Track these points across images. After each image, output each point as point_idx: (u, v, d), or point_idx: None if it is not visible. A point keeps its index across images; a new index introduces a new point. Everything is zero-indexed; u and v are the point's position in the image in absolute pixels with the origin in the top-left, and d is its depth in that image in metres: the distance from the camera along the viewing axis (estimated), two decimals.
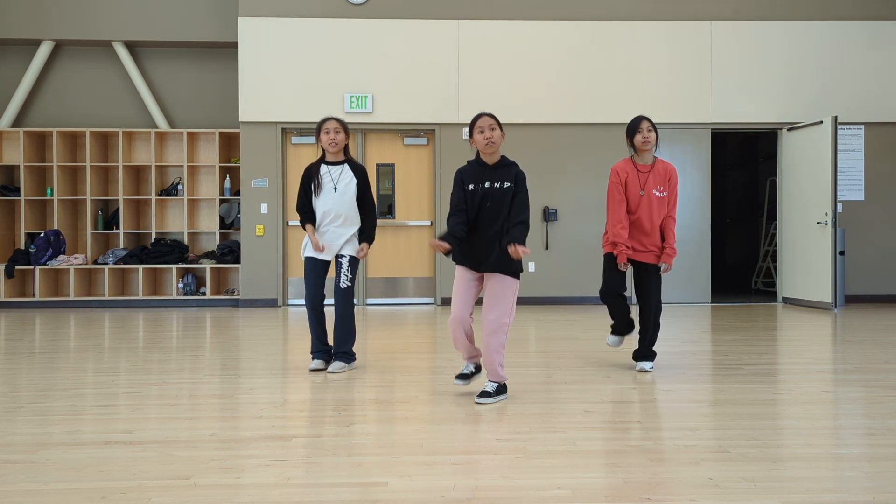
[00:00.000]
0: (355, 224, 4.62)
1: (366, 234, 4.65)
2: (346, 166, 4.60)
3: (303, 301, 8.88)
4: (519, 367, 4.66)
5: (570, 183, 8.85)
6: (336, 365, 4.58)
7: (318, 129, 4.60)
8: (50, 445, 2.99)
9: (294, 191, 8.95)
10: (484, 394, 3.73)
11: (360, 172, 4.62)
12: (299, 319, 7.51)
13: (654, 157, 4.55)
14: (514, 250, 3.59)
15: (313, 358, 4.66)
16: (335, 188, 4.54)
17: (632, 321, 4.73)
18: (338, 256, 4.61)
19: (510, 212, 3.73)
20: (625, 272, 4.55)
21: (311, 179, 4.59)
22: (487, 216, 3.74)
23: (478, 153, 3.84)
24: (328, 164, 4.60)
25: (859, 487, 2.49)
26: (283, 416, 3.48)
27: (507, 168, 3.80)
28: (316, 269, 4.62)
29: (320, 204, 4.56)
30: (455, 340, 3.89)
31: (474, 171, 3.82)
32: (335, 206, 4.53)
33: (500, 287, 3.72)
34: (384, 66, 8.82)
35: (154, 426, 3.29)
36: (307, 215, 4.62)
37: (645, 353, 4.61)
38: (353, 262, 4.61)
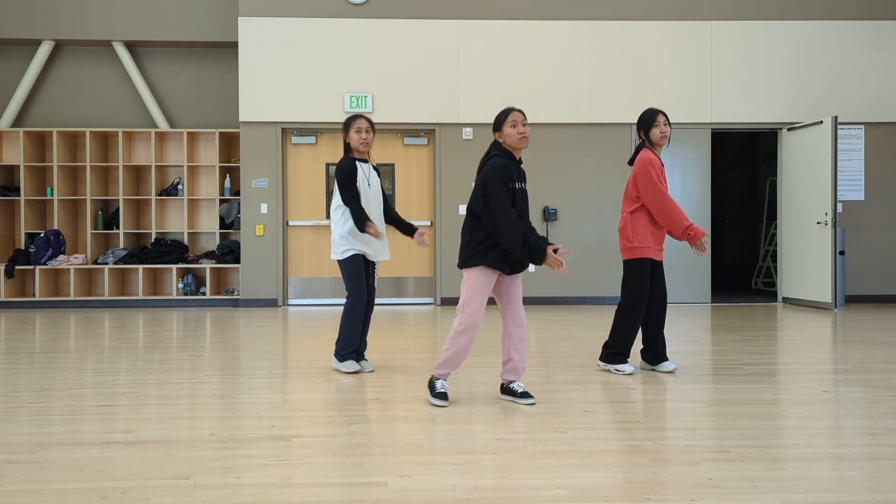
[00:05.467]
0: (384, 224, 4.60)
1: (407, 223, 4.61)
2: (370, 165, 4.59)
3: (306, 301, 8.92)
4: None
5: (570, 183, 8.85)
6: (368, 364, 4.64)
7: (346, 125, 4.47)
8: (50, 445, 2.99)
9: (295, 191, 8.95)
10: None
11: (378, 171, 4.64)
12: (299, 319, 7.50)
13: None
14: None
15: (356, 360, 4.59)
16: (369, 184, 4.49)
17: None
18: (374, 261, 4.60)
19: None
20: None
21: (355, 177, 4.40)
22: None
23: (495, 148, 3.70)
24: (359, 161, 4.51)
25: (859, 487, 2.49)
26: (283, 416, 3.47)
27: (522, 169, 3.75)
28: (364, 268, 4.52)
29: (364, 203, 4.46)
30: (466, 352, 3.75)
31: (512, 168, 3.63)
32: (373, 206, 4.49)
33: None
34: (384, 66, 8.82)
35: (154, 426, 3.29)
36: (364, 212, 4.41)
37: (664, 349, 4.56)
38: None
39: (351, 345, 4.52)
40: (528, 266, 3.73)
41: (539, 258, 3.51)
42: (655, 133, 4.43)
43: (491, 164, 3.61)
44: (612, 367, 4.52)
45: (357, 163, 4.47)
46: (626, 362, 4.52)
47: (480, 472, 2.63)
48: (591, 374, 4.48)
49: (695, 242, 4.30)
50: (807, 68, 9.00)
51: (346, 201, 4.41)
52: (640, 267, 4.42)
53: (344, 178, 4.41)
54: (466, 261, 3.63)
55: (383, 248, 4.57)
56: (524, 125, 3.66)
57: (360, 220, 4.37)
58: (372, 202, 4.48)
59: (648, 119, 4.47)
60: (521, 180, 3.69)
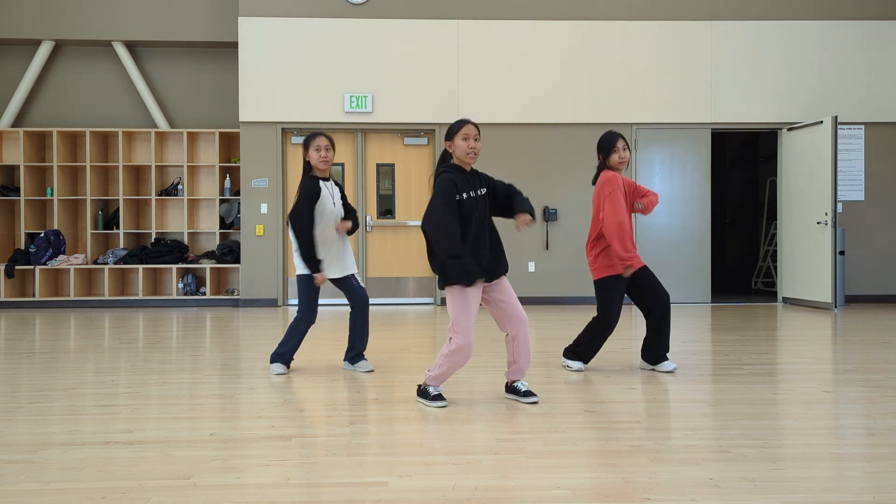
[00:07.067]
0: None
1: (354, 224, 4.66)
2: (332, 181, 4.66)
3: None
4: None
5: (570, 183, 8.84)
6: (367, 364, 4.63)
7: (306, 143, 4.51)
8: (50, 445, 2.99)
9: (295, 191, 8.93)
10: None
11: (341, 186, 4.75)
12: None
13: None
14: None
15: (288, 366, 4.59)
16: (334, 203, 4.54)
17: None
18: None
19: (502, 205, 3.77)
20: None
21: (316, 200, 4.45)
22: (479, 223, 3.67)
23: (445, 159, 3.72)
24: (322, 179, 4.56)
25: (859, 487, 2.49)
26: (283, 416, 3.48)
27: (479, 175, 3.75)
28: (344, 278, 4.60)
29: (326, 220, 4.50)
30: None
31: (457, 180, 3.63)
32: (331, 224, 4.54)
33: None
34: (384, 66, 8.82)
35: (154, 426, 3.29)
36: (314, 240, 4.44)
37: (665, 350, 4.56)
38: None
39: (286, 354, 4.55)
40: (507, 270, 3.72)
41: (460, 278, 3.48)
42: (614, 158, 4.46)
43: (438, 181, 3.63)
44: (567, 361, 4.64)
45: (321, 182, 4.51)
46: (581, 361, 4.61)
47: (480, 472, 2.63)
48: (591, 374, 4.48)
49: (624, 272, 4.36)
50: (807, 68, 8.99)
51: (300, 233, 4.41)
52: (607, 284, 4.46)
53: (309, 195, 4.45)
54: (442, 280, 3.61)
55: (342, 264, 4.57)
56: (476, 140, 3.63)
57: (313, 263, 4.39)
58: (332, 222, 4.52)
59: (608, 143, 4.48)
60: (478, 187, 3.65)
